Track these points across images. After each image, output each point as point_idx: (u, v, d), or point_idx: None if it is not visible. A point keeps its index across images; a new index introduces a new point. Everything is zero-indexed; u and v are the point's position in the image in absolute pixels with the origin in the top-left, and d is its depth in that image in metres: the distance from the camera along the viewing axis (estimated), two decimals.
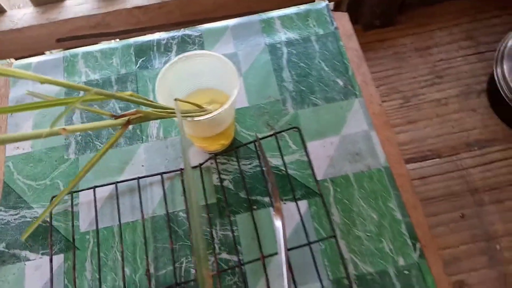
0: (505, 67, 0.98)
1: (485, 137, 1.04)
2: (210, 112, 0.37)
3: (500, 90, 0.99)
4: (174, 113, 0.34)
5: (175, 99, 0.33)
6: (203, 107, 0.41)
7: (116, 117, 0.25)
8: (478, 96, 1.09)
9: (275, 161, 0.48)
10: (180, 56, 0.40)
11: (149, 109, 0.30)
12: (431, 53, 1.18)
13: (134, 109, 0.28)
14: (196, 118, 0.36)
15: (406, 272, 0.42)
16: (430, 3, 1.25)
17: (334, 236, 0.41)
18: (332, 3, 1.20)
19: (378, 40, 1.21)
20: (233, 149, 0.48)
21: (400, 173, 0.47)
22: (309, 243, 0.41)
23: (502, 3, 1.21)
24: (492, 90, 1.05)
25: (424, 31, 1.22)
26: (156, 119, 0.30)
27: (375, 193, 0.46)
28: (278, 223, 0.38)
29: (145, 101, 0.29)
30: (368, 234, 0.44)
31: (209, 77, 0.44)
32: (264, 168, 0.47)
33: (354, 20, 1.23)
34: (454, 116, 1.07)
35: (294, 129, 0.49)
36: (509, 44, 0.99)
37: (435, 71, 1.14)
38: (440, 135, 1.05)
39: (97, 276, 0.43)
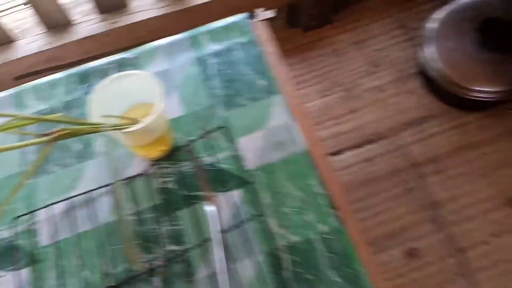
0: (425, 49, 1.08)
1: (422, 115, 1.13)
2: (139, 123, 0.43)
3: (428, 71, 1.09)
4: (104, 127, 0.40)
5: (103, 116, 0.39)
6: (138, 120, 0.47)
7: (43, 135, 0.31)
8: (412, 79, 1.18)
9: (210, 159, 0.55)
10: (108, 78, 0.46)
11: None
12: (367, 45, 1.27)
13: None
14: (124, 131, 0.42)
15: (329, 237, 0.49)
16: (355, 2, 1.35)
17: (262, 215, 0.48)
18: (263, 13, 1.29)
19: (318, 39, 1.30)
20: (172, 153, 0.55)
21: (318, 154, 0.55)
22: (240, 224, 0.47)
23: None
24: (422, 72, 1.14)
25: (359, 25, 1.31)
26: (85, 134, 0.36)
27: (299, 174, 0.53)
28: (209, 208, 0.45)
29: (74, 121, 0.36)
30: (294, 209, 0.51)
31: (140, 94, 0.50)
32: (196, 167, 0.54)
33: (294, 23, 1.32)
34: (392, 100, 1.17)
35: (221, 129, 0.56)
36: (428, 26, 1.10)
37: (372, 61, 1.24)
38: (381, 119, 1.14)
39: (61, 283, 0.48)
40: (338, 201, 0.52)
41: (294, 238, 0.50)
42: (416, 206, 1.02)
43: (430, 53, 1.08)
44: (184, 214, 0.52)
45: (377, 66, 1.23)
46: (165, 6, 1.10)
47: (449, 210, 1.01)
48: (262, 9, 1.31)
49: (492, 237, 0.97)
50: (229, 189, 0.53)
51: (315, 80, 1.23)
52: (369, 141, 1.12)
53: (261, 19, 1.45)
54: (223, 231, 0.49)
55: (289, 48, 1.30)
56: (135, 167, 0.56)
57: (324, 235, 0.50)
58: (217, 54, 0.64)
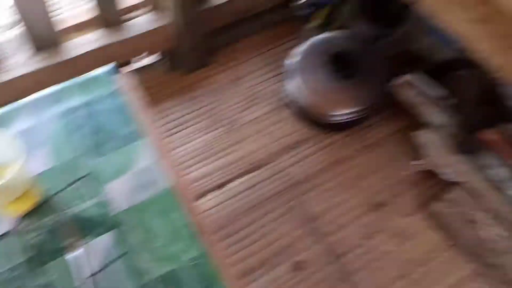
0: (289, 82, 1.23)
1: (296, 140, 1.27)
2: None
3: (295, 101, 1.23)
4: None
5: None
6: None
7: None
8: (285, 109, 1.32)
9: (78, 208, 0.58)
10: None
11: None
12: (243, 82, 1.40)
13: None
14: None
15: (196, 263, 0.55)
16: (234, 40, 1.48)
17: (131, 253, 0.53)
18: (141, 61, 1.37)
19: (199, 80, 1.39)
20: (40, 207, 0.57)
21: (182, 190, 0.61)
22: (109, 265, 0.51)
23: (292, 29, 1.50)
24: (291, 102, 1.29)
25: (235, 65, 1.44)
26: None
27: (165, 210, 0.59)
28: (75, 256, 0.48)
29: None
30: (162, 243, 0.56)
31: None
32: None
33: (175, 67, 1.39)
34: (270, 129, 1.29)
35: (88, 177, 0.60)
36: (289, 62, 1.25)
37: (249, 96, 1.36)
38: (262, 147, 1.25)
39: None
40: (202, 229, 0.58)
41: (163, 270, 0.55)
42: (298, 222, 1.13)
43: (293, 86, 1.23)
44: (52, 266, 0.54)
45: (254, 100, 1.35)
46: (42, 60, 1.11)
47: (325, 222, 1.13)
48: (140, 56, 1.37)
49: (363, 239, 1.11)
50: (98, 234, 0.56)
51: (199, 118, 1.31)
52: (253, 169, 1.22)
53: (141, 66, 1.50)
54: (93, 275, 0.52)
55: (172, 91, 1.37)
56: (2, 225, 0.57)
57: (191, 263, 0.55)
58: (82, 106, 0.69)
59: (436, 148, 1.14)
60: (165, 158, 0.64)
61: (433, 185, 1.19)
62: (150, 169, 0.62)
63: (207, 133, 1.29)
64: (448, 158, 1.12)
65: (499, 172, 1.08)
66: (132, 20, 1.20)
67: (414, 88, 1.22)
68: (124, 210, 0.59)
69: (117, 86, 0.71)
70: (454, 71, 1.19)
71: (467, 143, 1.08)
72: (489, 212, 1.08)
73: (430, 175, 1.20)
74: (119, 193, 0.60)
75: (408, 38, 1.27)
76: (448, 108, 1.16)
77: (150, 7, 1.23)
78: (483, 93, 1.11)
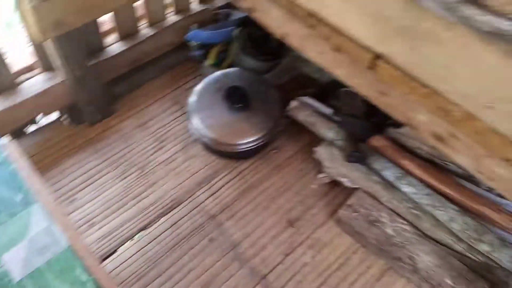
0: (192, 120, 1.30)
1: (209, 173, 1.32)
2: None
3: (200, 137, 1.29)
4: None
5: None
6: None
7: None
8: (194, 145, 1.37)
9: None
10: None
11: None
12: (151, 125, 1.43)
13: None
14: None
15: None
16: (136, 86, 1.52)
17: None
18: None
19: (105, 130, 1.40)
20: None
21: (79, 247, 0.63)
22: None
23: (192, 69, 1.57)
24: (197, 138, 1.34)
25: (140, 110, 1.47)
26: None
27: (65, 269, 0.60)
28: None
29: None
30: None
31: None
32: None
33: (79, 120, 1.39)
34: (182, 167, 1.33)
35: None
36: (190, 101, 1.32)
37: (158, 138, 1.40)
38: (177, 186, 1.29)
39: None
40: (103, 281, 0.61)
41: None
42: (220, 252, 1.17)
43: (196, 123, 1.29)
44: None
45: (163, 141, 1.39)
46: None
47: (246, 246, 1.18)
48: (39, 117, 1.36)
49: (284, 256, 1.18)
50: None
51: (110, 168, 1.32)
52: (171, 209, 1.25)
53: (45, 124, 1.48)
54: None
55: (80, 144, 1.36)
56: None
57: None
58: None
59: (332, 161, 1.26)
60: (61, 219, 0.66)
61: (339, 193, 1.31)
62: (46, 232, 0.64)
63: (120, 180, 1.30)
64: (342, 169, 1.24)
65: (392, 172, 1.21)
66: (24, 83, 1.20)
67: (307, 109, 1.34)
68: (23, 277, 0.59)
69: (6, 153, 0.72)
70: (339, 89, 1.33)
71: (356, 153, 1.20)
72: (389, 210, 1.20)
73: (335, 185, 1.31)
74: (16, 261, 0.60)
75: (293, 66, 1.40)
76: (337, 123, 1.29)
77: (40, 69, 1.23)
78: (365, 106, 1.26)
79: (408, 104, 0.79)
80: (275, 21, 0.93)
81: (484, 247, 1.07)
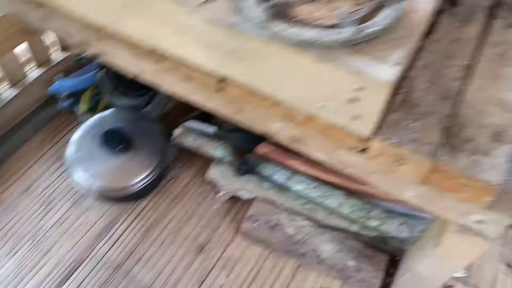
0: (73, 173, 1.24)
1: (107, 223, 1.29)
2: None
3: (84, 189, 1.24)
4: None
5: None
6: None
7: None
8: (86, 197, 1.32)
9: None
10: None
11: None
12: (35, 188, 1.35)
13: None
14: None
15: None
16: (12, 151, 1.43)
17: None
18: None
19: None
20: None
21: None
22: None
23: (69, 120, 1.50)
24: (86, 190, 1.29)
25: (21, 174, 1.38)
26: None
27: None
28: None
29: None
30: None
31: None
32: None
33: None
34: (77, 224, 1.28)
35: None
36: (67, 152, 1.27)
37: (45, 200, 1.32)
38: (75, 245, 1.24)
39: None
40: None
41: None
42: None
43: (80, 175, 1.24)
44: None
45: (51, 202, 1.32)
46: None
47: (160, 285, 1.16)
48: None
49: (199, 284, 1.18)
50: None
51: None
52: (73, 270, 1.19)
53: None
54: None
55: None
56: None
57: None
58: None
59: (226, 178, 1.29)
60: None
61: (240, 207, 1.34)
62: None
63: (11, 257, 1.21)
64: (237, 183, 1.27)
65: (281, 174, 1.28)
66: None
67: (191, 133, 1.36)
68: None
69: None
70: None
71: (243, 165, 1.25)
72: (286, 211, 1.26)
73: (235, 200, 1.34)
74: None
75: (168, 97, 1.42)
76: (222, 139, 1.32)
77: None
78: None
79: (262, 116, 0.84)
80: (124, 62, 0.94)
81: (373, 223, 1.17)
